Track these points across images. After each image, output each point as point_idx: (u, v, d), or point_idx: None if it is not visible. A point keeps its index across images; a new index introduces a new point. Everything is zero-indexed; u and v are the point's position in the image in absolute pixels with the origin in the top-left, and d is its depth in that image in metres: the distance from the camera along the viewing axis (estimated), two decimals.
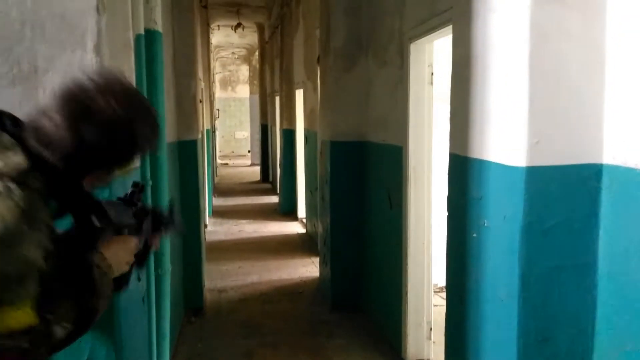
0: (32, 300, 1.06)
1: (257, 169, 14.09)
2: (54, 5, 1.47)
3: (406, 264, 3.48)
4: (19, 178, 1.07)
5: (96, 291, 1.16)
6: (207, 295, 4.82)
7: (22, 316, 1.05)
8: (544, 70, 1.95)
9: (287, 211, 8.51)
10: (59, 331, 1.08)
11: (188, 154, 4.47)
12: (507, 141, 2.05)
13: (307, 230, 7.29)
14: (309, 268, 5.69)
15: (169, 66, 3.81)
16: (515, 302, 2.03)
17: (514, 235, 2.01)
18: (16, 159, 1.09)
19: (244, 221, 8.28)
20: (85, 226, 1.25)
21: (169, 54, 3.91)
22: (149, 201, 2.54)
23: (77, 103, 1.13)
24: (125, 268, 1.31)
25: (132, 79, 1.89)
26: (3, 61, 1.46)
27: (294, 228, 7.73)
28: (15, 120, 1.29)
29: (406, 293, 3.51)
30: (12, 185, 1.05)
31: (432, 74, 3.43)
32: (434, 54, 3.43)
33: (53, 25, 1.47)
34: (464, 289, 2.39)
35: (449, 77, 2.55)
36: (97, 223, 1.25)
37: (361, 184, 4.36)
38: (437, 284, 4.23)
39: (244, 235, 7.44)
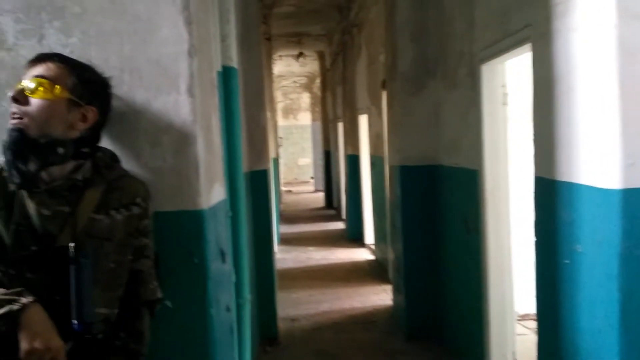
0: None
1: (321, 195, 14.16)
2: (149, 51, 1.54)
3: (487, 292, 3.36)
4: None
5: None
6: (281, 324, 4.83)
7: None
8: (635, 89, 1.86)
9: (354, 237, 8.46)
10: None
11: (259, 184, 4.56)
12: (598, 163, 1.96)
13: (376, 257, 7.21)
14: (380, 296, 5.60)
15: (240, 99, 3.92)
16: (615, 333, 1.91)
17: (611, 261, 1.91)
18: None
19: (311, 248, 8.30)
20: None
21: (240, 87, 4.03)
22: (229, 232, 2.59)
23: None
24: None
25: (216, 115, 1.96)
26: None
27: (362, 255, 7.67)
28: (114, 156, 1.48)
29: (488, 322, 3.38)
30: None
31: (506, 94, 3.35)
32: (506, 74, 3.36)
33: (149, 70, 1.55)
34: (557, 319, 2.27)
35: (522, 97, 2.48)
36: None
37: (434, 208, 4.27)
38: (516, 312, 4.06)
39: (312, 262, 7.45)
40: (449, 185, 4.04)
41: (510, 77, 3.40)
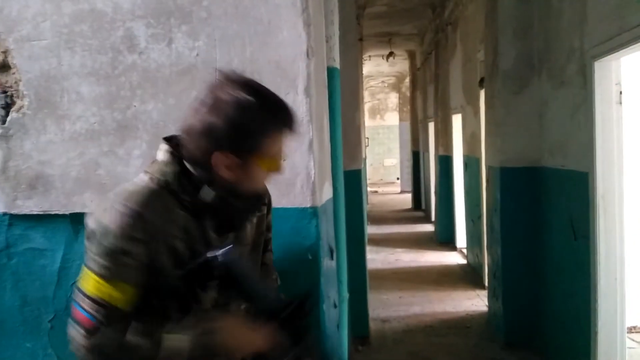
0: None
1: (408, 196, 13.98)
2: (269, 53, 1.60)
3: (595, 301, 3.17)
4: None
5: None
6: (371, 324, 4.83)
7: None
8: None
9: (445, 240, 8.26)
10: None
11: (353, 184, 4.56)
12: None
13: (468, 261, 7.01)
14: (474, 301, 5.44)
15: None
16: None
17: None
18: None
19: (399, 250, 8.21)
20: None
21: None
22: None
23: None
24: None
25: (326, 115, 1.99)
26: None
27: (453, 258, 7.48)
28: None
29: (596, 333, 3.19)
30: None
31: (621, 92, 3.15)
32: (621, 71, 3.16)
33: (269, 72, 1.60)
34: None
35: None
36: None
37: (535, 212, 4.09)
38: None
39: (401, 264, 7.37)
40: (553, 188, 3.86)
41: (626, 74, 3.19)
